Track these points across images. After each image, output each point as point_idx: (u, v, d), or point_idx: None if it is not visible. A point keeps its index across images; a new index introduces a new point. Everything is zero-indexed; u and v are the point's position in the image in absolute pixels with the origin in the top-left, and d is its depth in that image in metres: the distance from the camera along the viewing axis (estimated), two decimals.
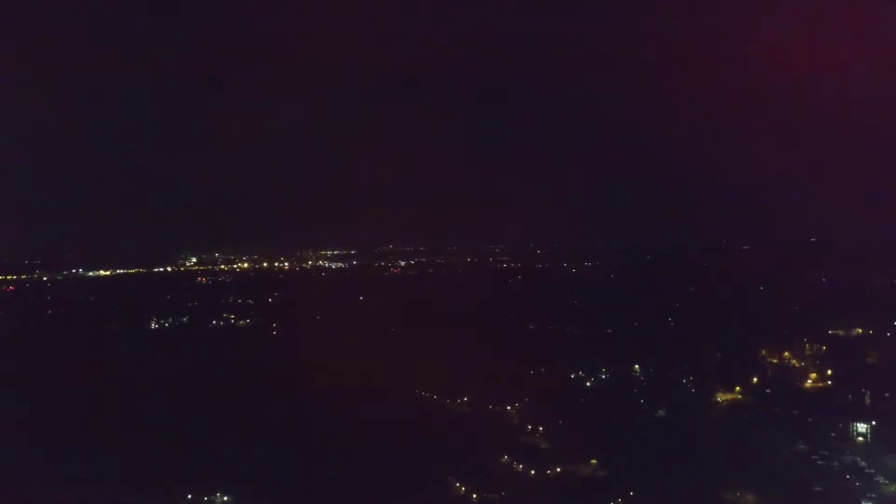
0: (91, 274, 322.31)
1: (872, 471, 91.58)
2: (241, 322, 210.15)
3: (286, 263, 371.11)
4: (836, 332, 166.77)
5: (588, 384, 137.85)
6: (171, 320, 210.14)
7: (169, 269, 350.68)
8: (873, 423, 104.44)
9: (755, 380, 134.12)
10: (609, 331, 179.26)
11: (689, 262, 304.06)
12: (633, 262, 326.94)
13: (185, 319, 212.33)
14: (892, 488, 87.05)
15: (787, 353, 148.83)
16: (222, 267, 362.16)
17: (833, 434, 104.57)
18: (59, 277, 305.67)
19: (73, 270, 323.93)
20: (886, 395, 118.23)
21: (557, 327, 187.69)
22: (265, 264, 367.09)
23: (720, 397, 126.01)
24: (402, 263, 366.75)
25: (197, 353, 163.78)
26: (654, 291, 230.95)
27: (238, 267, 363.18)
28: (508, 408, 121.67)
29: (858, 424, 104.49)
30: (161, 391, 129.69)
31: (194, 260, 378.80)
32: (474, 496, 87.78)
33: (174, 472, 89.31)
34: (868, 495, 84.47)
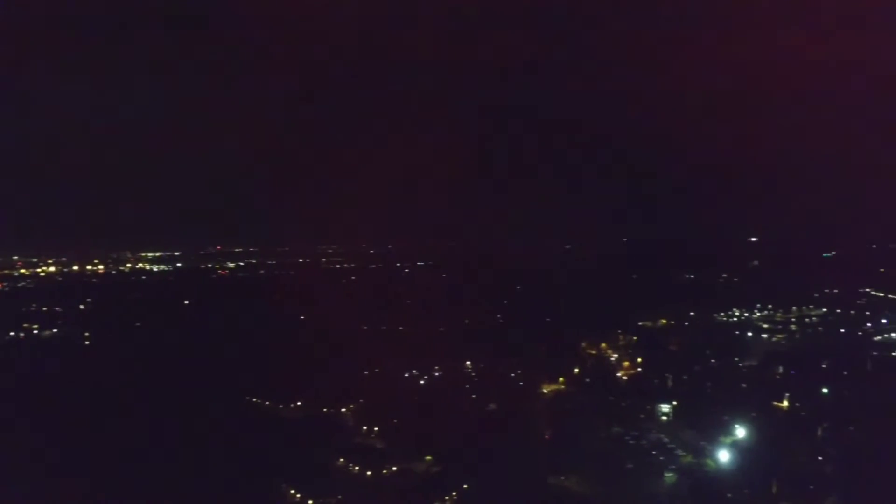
0: None
1: (673, 446, 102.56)
2: (47, 332, 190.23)
3: (100, 266, 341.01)
4: (644, 323, 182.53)
5: (422, 382, 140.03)
6: None
7: None
8: (674, 403, 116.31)
9: (576, 370, 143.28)
10: (441, 329, 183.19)
11: (514, 263, 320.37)
12: (462, 262, 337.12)
13: None
14: (688, 459, 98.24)
15: (604, 345, 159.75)
16: (23, 272, 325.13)
17: (642, 416, 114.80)
18: None
19: None
20: (685, 377, 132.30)
21: (390, 327, 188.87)
22: (76, 268, 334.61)
23: (545, 388, 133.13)
24: (231, 265, 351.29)
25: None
26: (484, 291, 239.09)
27: (42, 271, 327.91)
28: (343, 409, 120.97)
29: (662, 405, 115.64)
30: None
31: None
32: (310, 501, 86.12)
33: None
34: (669, 467, 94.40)
